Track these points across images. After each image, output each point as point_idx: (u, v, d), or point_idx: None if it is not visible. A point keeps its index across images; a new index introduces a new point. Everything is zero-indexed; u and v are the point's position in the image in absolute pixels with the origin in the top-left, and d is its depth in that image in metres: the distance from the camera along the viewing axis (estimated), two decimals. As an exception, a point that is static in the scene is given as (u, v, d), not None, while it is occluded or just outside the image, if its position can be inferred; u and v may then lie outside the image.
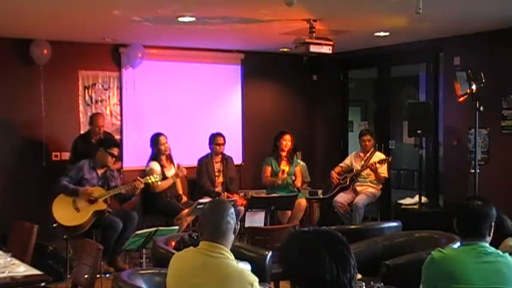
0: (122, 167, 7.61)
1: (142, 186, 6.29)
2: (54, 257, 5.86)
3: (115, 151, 6.33)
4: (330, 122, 9.30)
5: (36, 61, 7.26)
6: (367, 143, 7.51)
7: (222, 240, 2.84)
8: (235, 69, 8.74)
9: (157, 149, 6.90)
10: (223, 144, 7.31)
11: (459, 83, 6.28)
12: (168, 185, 6.79)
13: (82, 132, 7.43)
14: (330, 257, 1.82)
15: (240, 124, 8.78)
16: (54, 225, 5.97)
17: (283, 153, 7.54)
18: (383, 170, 7.41)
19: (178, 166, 6.91)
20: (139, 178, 6.33)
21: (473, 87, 6.16)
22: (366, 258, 4.25)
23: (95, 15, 5.89)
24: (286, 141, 7.49)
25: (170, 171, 6.90)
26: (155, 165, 6.79)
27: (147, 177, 6.36)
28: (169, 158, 6.99)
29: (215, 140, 7.29)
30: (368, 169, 7.37)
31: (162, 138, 6.91)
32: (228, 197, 6.96)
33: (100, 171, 6.26)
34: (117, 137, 7.73)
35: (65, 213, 5.96)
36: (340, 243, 1.88)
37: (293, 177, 7.55)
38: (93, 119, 7.09)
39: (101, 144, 6.39)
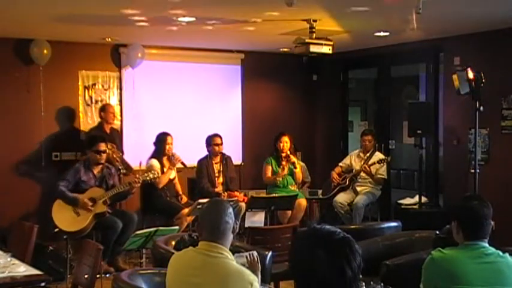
0: (123, 153, 7.41)
1: (139, 184, 6.30)
2: (54, 257, 5.86)
3: (101, 146, 6.22)
4: (330, 122, 9.29)
5: (36, 61, 7.25)
6: (368, 143, 7.53)
7: (221, 240, 2.85)
8: (235, 69, 8.73)
9: (161, 148, 6.90)
10: (221, 144, 7.28)
11: (458, 81, 6.25)
12: (168, 177, 6.81)
13: (85, 130, 7.50)
14: (331, 258, 1.81)
15: (240, 124, 8.77)
16: (56, 230, 5.97)
17: (283, 154, 7.53)
18: (382, 172, 7.41)
19: (173, 154, 6.90)
20: (137, 176, 6.33)
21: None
22: (366, 258, 4.23)
23: (95, 15, 5.89)
24: (283, 143, 7.48)
25: (169, 173, 6.89)
26: (155, 162, 6.79)
27: (145, 175, 6.36)
28: (170, 160, 6.98)
29: (212, 140, 7.25)
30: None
31: (168, 138, 6.93)
32: (229, 196, 6.96)
33: (96, 171, 6.24)
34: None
35: (66, 218, 5.96)
36: (346, 246, 1.85)
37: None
38: (104, 109, 7.32)
39: (86, 146, 6.34)
